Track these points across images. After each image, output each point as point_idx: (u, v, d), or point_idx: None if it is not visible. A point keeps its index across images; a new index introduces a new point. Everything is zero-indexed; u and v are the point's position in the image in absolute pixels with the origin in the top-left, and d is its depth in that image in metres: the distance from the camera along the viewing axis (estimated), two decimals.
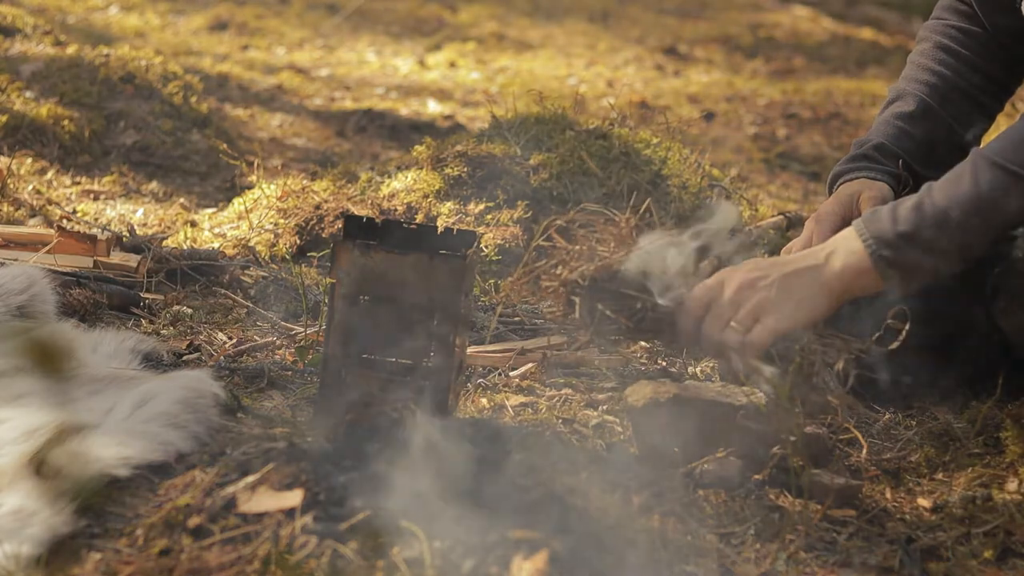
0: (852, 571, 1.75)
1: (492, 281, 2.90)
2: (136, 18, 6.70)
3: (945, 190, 1.98)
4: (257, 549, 1.55)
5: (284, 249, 3.11)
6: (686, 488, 1.94)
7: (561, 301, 1.94)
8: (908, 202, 1.99)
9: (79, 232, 2.88)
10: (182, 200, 3.68)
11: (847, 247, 1.98)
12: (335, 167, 3.81)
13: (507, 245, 3.00)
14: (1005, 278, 2.15)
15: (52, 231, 2.90)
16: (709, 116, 5.53)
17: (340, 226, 2.98)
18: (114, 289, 2.71)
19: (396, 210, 3.16)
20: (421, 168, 3.27)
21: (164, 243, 3.04)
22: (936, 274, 1.98)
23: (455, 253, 2.13)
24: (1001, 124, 2.59)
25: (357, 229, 2.18)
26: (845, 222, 2.28)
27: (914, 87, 2.49)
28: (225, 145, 3.72)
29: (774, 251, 2.76)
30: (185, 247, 3.07)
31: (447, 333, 2.01)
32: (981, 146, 2.02)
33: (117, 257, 2.87)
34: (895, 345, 1.91)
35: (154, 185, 3.81)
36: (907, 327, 1.92)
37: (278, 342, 2.55)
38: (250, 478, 1.67)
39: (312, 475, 1.64)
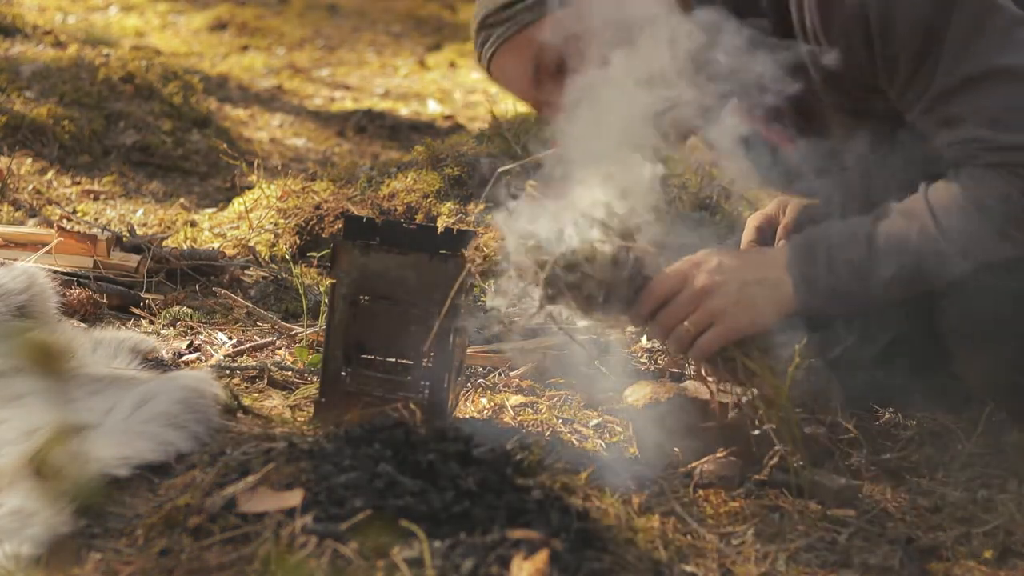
0: (852, 571, 1.75)
1: (492, 281, 2.90)
2: (136, 18, 6.70)
3: (888, 253, 1.94)
4: (257, 549, 1.55)
5: (284, 249, 3.11)
6: (686, 488, 1.94)
7: (527, 275, 1.94)
8: (847, 253, 1.96)
9: (79, 232, 2.88)
10: (182, 200, 3.69)
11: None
12: (335, 167, 3.81)
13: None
14: (955, 340, 2.11)
15: (52, 231, 2.90)
16: None
17: (340, 226, 2.99)
18: (114, 289, 2.71)
19: (396, 210, 3.16)
20: (421, 168, 3.27)
21: (164, 243, 3.04)
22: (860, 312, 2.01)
23: (455, 253, 2.13)
24: None
25: (357, 229, 2.18)
26: (770, 224, 2.34)
27: None
28: (225, 145, 3.72)
29: None
30: (185, 247, 3.07)
31: (447, 333, 2.01)
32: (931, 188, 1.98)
33: (117, 257, 2.87)
34: (836, 353, 1.94)
35: (154, 185, 3.81)
36: (848, 341, 1.94)
37: (278, 342, 2.55)
38: (250, 478, 1.67)
39: (312, 475, 1.64)
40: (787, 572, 1.73)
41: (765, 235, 2.34)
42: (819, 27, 1.90)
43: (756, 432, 1.95)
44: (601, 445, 2.12)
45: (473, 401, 2.29)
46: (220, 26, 6.68)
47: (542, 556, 1.49)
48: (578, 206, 1.92)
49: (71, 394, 1.97)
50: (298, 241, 3.16)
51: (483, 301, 2.78)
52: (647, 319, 1.97)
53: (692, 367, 2.02)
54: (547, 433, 2.15)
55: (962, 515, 1.92)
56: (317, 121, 5.03)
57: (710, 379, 1.98)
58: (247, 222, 3.27)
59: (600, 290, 1.91)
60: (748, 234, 2.36)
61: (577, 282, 1.90)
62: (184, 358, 2.45)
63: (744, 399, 1.95)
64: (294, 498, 1.61)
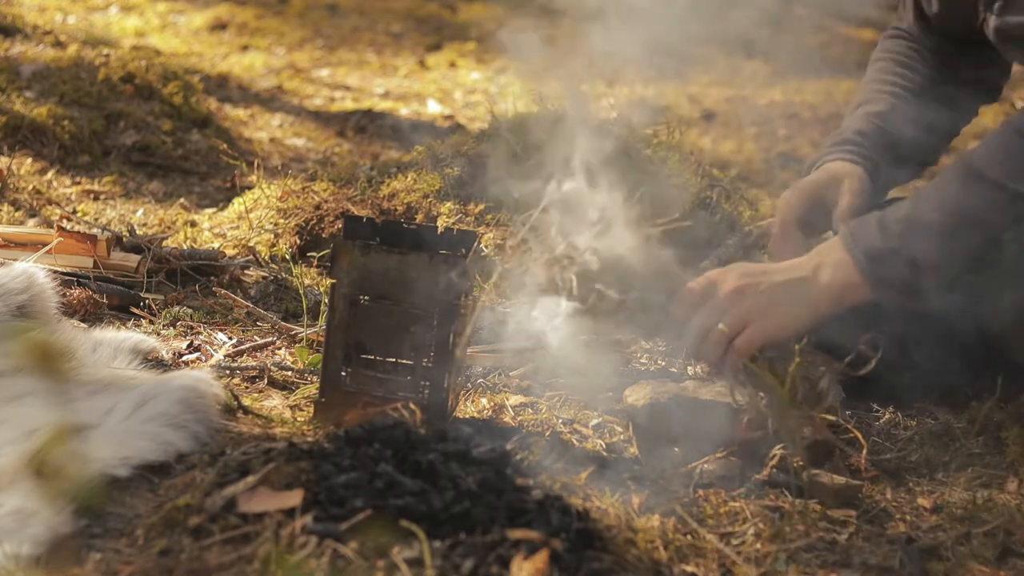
0: (852, 571, 1.75)
1: (492, 281, 2.90)
2: (136, 18, 6.70)
3: (934, 203, 1.97)
4: (257, 549, 1.55)
5: (284, 249, 3.11)
6: (686, 488, 1.94)
7: (554, 275, 1.94)
8: (896, 214, 1.98)
9: (79, 232, 2.88)
10: (182, 200, 3.68)
11: (835, 260, 1.99)
12: (335, 167, 3.81)
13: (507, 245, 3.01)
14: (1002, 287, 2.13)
15: (52, 231, 2.90)
16: (709, 116, 5.54)
17: (340, 226, 2.98)
18: (114, 289, 2.71)
19: (396, 210, 3.16)
20: (421, 168, 3.27)
21: (164, 243, 3.04)
22: (926, 286, 1.99)
23: (455, 253, 2.13)
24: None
25: (357, 229, 2.18)
26: (818, 201, 2.30)
27: (881, 92, 2.51)
28: (225, 145, 3.72)
29: None
30: (185, 247, 3.07)
31: (447, 333, 2.01)
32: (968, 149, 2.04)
33: (117, 257, 2.87)
34: (867, 370, 1.93)
35: (154, 185, 3.81)
36: (878, 355, 1.94)
37: (278, 342, 2.55)
38: (250, 478, 1.67)
39: (312, 475, 1.65)
40: (787, 572, 1.73)
41: (810, 211, 2.31)
42: None
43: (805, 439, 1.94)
44: (601, 445, 2.12)
45: (473, 401, 2.29)
46: (220, 26, 6.68)
47: (542, 556, 1.49)
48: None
49: (71, 394, 1.97)
50: (298, 241, 3.16)
51: (483, 301, 2.78)
52: (680, 327, 1.97)
53: (729, 378, 1.99)
54: (547, 433, 2.15)
55: (962, 515, 1.92)
56: (317, 121, 5.03)
57: (747, 389, 1.97)
58: (247, 222, 3.27)
59: (628, 297, 1.92)
60: (788, 211, 2.33)
61: (595, 297, 1.91)
62: (184, 358, 2.45)
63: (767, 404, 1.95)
64: (294, 498, 1.61)
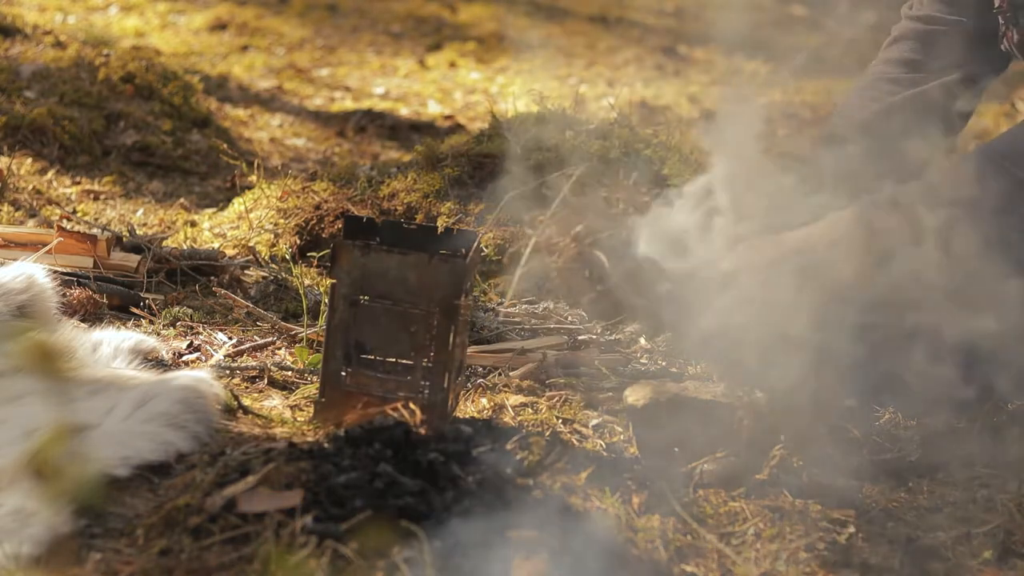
0: (852, 571, 1.75)
1: (492, 281, 2.90)
2: (136, 18, 6.70)
3: (949, 184, 1.99)
4: (257, 549, 1.55)
5: (284, 249, 3.11)
6: (686, 488, 1.94)
7: (573, 254, 1.96)
8: (910, 190, 2.01)
9: (79, 232, 2.88)
10: (182, 200, 3.68)
11: (848, 235, 2.02)
12: (335, 167, 3.81)
13: (507, 245, 3.01)
14: None
15: (52, 231, 2.89)
16: (709, 116, 5.53)
17: (340, 226, 2.99)
18: (114, 289, 2.71)
19: (396, 210, 3.16)
20: (421, 168, 3.27)
21: (164, 243, 3.04)
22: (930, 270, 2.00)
23: (455, 253, 2.13)
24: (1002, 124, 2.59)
25: (357, 229, 2.18)
26: None
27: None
28: (225, 145, 3.72)
29: None
30: (185, 247, 3.07)
31: (447, 333, 2.01)
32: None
33: (117, 257, 2.87)
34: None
35: (154, 185, 3.81)
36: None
37: (278, 342, 2.55)
38: (250, 478, 1.67)
39: (312, 475, 1.65)
40: (787, 572, 1.73)
41: None
42: None
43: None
44: (601, 445, 2.12)
45: (473, 401, 2.29)
46: (220, 26, 6.67)
47: (542, 556, 1.49)
48: None
49: (71, 394, 1.97)
50: (298, 241, 3.16)
51: (483, 301, 2.78)
52: (699, 308, 2.00)
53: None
54: (547, 433, 2.15)
55: (962, 515, 1.92)
56: (317, 121, 5.03)
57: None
58: (247, 222, 3.27)
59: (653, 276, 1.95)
60: None
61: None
62: (184, 358, 2.45)
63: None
64: (294, 498, 1.61)
